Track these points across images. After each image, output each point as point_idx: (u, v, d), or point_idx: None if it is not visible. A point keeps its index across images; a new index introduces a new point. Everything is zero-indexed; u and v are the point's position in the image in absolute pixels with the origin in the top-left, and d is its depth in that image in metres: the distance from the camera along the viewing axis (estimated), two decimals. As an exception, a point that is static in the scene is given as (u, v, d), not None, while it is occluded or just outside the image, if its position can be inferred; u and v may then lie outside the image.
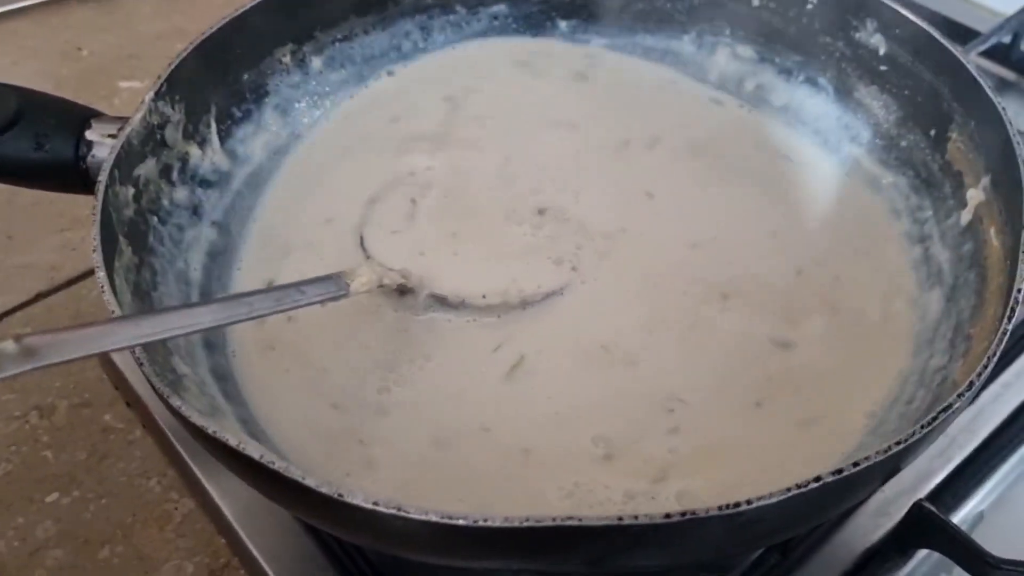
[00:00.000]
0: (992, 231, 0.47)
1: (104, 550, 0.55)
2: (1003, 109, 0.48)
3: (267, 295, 0.44)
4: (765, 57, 0.65)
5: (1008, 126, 0.47)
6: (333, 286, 0.47)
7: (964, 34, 0.80)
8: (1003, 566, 0.46)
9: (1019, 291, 0.40)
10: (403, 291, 0.53)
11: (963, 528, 0.51)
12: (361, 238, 0.56)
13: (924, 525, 0.50)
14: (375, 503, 0.34)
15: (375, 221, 0.57)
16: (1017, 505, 0.54)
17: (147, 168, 0.52)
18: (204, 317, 0.41)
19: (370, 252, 0.55)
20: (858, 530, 0.51)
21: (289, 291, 0.45)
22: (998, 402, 0.57)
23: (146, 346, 0.40)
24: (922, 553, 0.51)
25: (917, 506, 0.50)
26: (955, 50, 0.52)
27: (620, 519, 0.33)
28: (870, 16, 0.58)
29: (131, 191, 0.50)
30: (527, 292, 0.53)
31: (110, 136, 0.50)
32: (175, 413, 0.38)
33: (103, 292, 0.42)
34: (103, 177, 0.47)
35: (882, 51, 0.58)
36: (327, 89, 0.64)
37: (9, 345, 0.34)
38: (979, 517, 0.53)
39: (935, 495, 0.52)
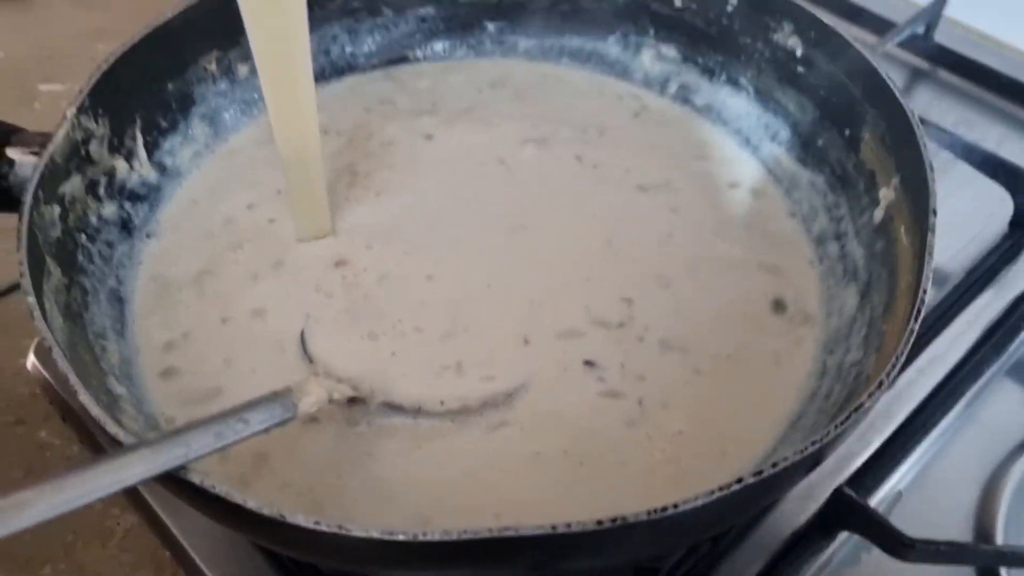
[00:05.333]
0: (902, 230, 0.50)
1: (46, 568, 0.55)
2: (911, 112, 0.51)
3: (206, 429, 0.39)
4: (688, 57, 0.66)
5: (916, 129, 0.50)
6: (279, 408, 0.43)
7: (881, 24, 0.83)
8: (917, 545, 0.49)
9: (924, 292, 0.42)
10: (353, 401, 0.49)
11: (882, 508, 0.54)
12: (302, 337, 0.53)
13: (845, 509, 0.52)
14: (316, 522, 0.35)
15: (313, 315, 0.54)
16: (933, 483, 0.57)
17: (72, 185, 0.51)
18: (134, 469, 0.36)
19: (312, 350, 0.52)
20: (785, 514, 0.54)
21: (230, 421, 0.40)
22: (913, 386, 0.60)
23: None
24: (845, 533, 0.54)
25: (837, 491, 0.53)
26: (866, 54, 0.55)
27: (554, 527, 0.35)
28: (787, 18, 0.60)
29: (57, 210, 0.50)
30: (487, 393, 0.50)
31: (32, 153, 0.49)
32: (113, 441, 0.38)
33: (34, 319, 0.41)
34: (27, 199, 0.46)
35: (799, 52, 0.60)
36: (256, 96, 0.64)
37: None
38: (898, 496, 0.56)
39: (855, 478, 0.55)
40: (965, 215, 0.69)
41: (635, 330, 0.53)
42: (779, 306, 0.55)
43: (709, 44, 0.65)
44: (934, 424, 0.58)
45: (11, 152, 0.50)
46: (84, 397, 0.39)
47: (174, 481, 0.37)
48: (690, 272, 0.56)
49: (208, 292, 0.55)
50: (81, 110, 0.52)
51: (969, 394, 0.60)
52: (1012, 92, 0.80)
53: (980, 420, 0.59)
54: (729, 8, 0.63)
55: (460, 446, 0.49)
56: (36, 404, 0.61)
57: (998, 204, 0.70)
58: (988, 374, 0.61)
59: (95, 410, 0.39)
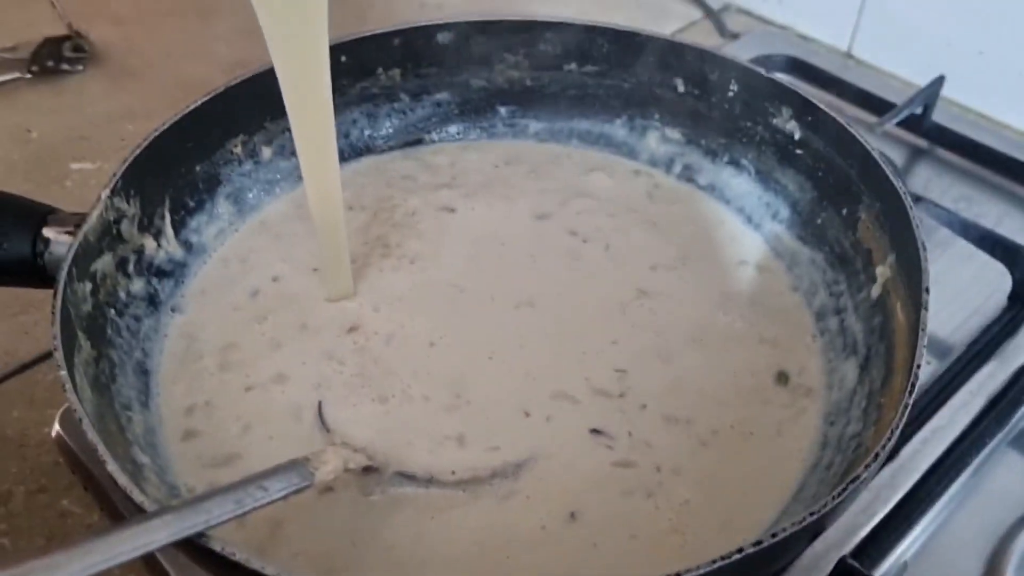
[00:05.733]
0: (898, 306, 0.52)
1: (63, 636, 0.55)
2: (905, 193, 0.53)
3: (226, 496, 0.41)
4: (692, 139, 0.69)
5: (909, 210, 0.52)
6: (297, 477, 0.44)
7: (881, 105, 0.86)
8: (920, 617, 0.49)
9: (918, 366, 0.44)
10: (367, 470, 0.51)
11: (887, 580, 0.55)
12: (319, 408, 0.55)
13: (849, 580, 0.53)
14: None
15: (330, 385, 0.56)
16: (937, 554, 0.57)
17: (104, 263, 0.54)
18: (158, 534, 0.38)
19: (328, 420, 0.54)
20: (792, 585, 0.54)
21: (250, 489, 0.42)
22: (917, 457, 0.60)
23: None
24: (850, 605, 0.54)
25: (842, 561, 0.53)
26: (860, 137, 0.57)
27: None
28: (785, 104, 0.63)
29: (89, 286, 0.52)
30: (497, 464, 0.52)
31: (67, 233, 0.52)
32: (138, 508, 0.40)
33: (65, 391, 0.43)
34: (61, 276, 0.48)
35: (797, 136, 0.63)
36: (278, 177, 0.67)
37: None
38: (903, 567, 0.56)
39: (860, 549, 0.55)
40: (966, 290, 0.71)
41: (636, 400, 0.55)
42: (782, 378, 0.57)
43: (711, 127, 0.68)
44: (938, 495, 0.59)
45: (47, 231, 0.53)
46: (112, 466, 0.41)
47: (194, 547, 0.39)
48: (696, 345, 0.58)
49: (230, 362, 0.57)
50: (114, 192, 0.55)
51: (973, 465, 0.60)
52: (1010, 170, 0.82)
53: (984, 491, 0.60)
54: (730, 94, 0.66)
55: (471, 516, 0.50)
56: (59, 473, 0.63)
57: (998, 279, 0.71)
58: (991, 445, 0.61)
59: (122, 479, 0.40)
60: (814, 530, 0.41)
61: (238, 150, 0.65)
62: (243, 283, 0.62)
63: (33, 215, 0.53)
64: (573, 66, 0.70)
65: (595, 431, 0.53)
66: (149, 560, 0.55)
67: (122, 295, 0.56)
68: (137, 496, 0.40)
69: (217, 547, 0.38)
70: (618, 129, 0.71)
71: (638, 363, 0.57)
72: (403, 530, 0.49)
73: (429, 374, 0.56)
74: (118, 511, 0.58)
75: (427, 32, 0.69)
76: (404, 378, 0.56)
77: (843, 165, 0.59)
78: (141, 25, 1.03)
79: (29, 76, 0.93)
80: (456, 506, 0.50)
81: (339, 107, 0.67)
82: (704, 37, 0.99)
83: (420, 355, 0.58)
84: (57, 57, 0.94)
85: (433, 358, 0.57)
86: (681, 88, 0.68)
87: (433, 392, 0.55)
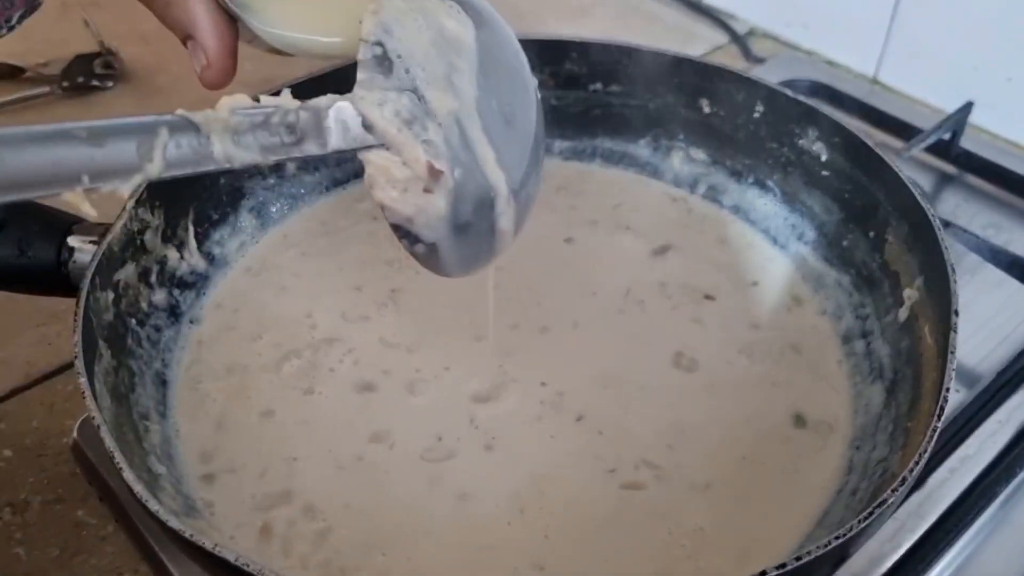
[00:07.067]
0: (926, 329, 0.51)
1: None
2: (933, 215, 0.52)
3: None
4: (717, 160, 0.69)
5: (937, 231, 0.51)
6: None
7: (908, 131, 0.85)
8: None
9: (947, 390, 0.43)
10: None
11: (915, 611, 0.54)
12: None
13: (876, 612, 0.52)
14: (346, 604, 0.36)
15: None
16: (966, 587, 0.56)
17: (127, 273, 0.54)
18: None
19: None
20: (816, 614, 0.53)
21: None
22: (945, 487, 0.59)
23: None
24: (876, 635, 0.53)
25: (867, 592, 0.52)
26: (888, 159, 0.57)
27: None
28: (812, 125, 0.63)
29: (111, 296, 0.52)
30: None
31: (91, 242, 0.52)
32: (152, 517, 0.40)
33: (85, 398, 0.43)
34: (84, 284, 0.49)
35: (823, 157, 0.63)
36: (302, 191, 0.67)
37: None
38: (931, 599, 0.55)
39: (886, 579, 0.54)
40: (994, 317, 0.69)
41: (641, 435, 0.54)
42: (800, 420, 0.55)
43: (736, 148, 0.68)
44: (966, 525, 0.57)
45: (72, 240, 0.53)
46: (127, 474, 0.41)
47: (209, 558, 0.38)
48: (713, 383, 0.57)
49: (234, 384, 0.57)
50: (139, 202, 0.55)
51: (1002, 495, 0.59)
52: (1039, 197, 0.81)
53: (1013, 522, 0.58)
54: (755, 115, 0.65)
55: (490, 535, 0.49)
56: (75, 483, 0.63)
57: (1027, 306, 0.70)
58: (1021, 475, 0.60)
59: (138, 487, 0.40)
60: (839, 555, 0.40)
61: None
62: (257, 298, 0.62)
63: (59, 224, 0.54)
64: (598, 86, 0.70)
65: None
66: (151, 561, 0.55)
67: (144, 305, 0.56)
68: (152, 504, 0.40)
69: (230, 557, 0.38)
70: (642, 149, 0.71)
71: (647, 396, 0.56)
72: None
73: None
74: (133, 523, 0.57)
75: (453, 51, 0.69)
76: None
77: (870, 186, 0.59)
78: (170, 43, 1.03)
79: (60, 92, 0.94)
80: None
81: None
82: (730, 61, 0.99)
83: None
84: (88, 73, 0.95)
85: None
86: (706, 109, 0.68)
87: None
